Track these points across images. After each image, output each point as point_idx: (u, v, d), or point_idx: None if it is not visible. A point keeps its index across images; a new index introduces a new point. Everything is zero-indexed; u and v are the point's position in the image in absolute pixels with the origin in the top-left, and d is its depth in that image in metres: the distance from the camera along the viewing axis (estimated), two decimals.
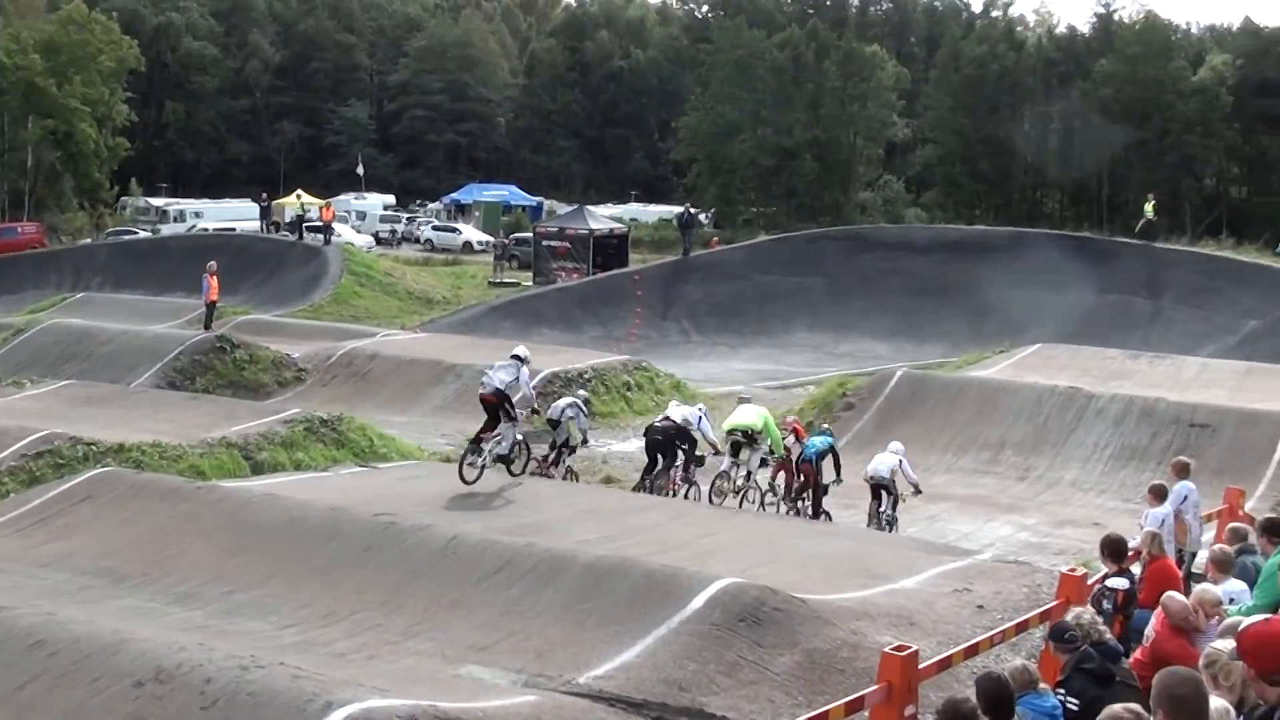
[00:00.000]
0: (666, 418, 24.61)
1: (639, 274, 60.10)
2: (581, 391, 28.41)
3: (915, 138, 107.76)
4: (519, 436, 23.05)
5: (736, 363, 50.30)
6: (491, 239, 79.53)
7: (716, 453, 24.57)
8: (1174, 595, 11.27)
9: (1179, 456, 20.07)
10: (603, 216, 74.14)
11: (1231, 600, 12.02)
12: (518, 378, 22.84)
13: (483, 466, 22.06)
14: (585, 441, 25.63)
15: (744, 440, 23.88)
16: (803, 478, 24.15)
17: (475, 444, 22.45)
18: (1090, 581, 14.33)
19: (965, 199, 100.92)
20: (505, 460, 22.66)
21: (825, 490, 23.95)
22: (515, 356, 23.21)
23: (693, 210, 67.02)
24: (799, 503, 24.29)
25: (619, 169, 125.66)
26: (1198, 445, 27.78)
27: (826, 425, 26.86)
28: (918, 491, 23.47)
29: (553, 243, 64.27)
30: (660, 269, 61.16)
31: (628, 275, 60.05)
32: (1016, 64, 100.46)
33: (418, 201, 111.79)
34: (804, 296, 57.67)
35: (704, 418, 24.84)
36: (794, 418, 28.66)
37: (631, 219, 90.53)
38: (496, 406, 22.37)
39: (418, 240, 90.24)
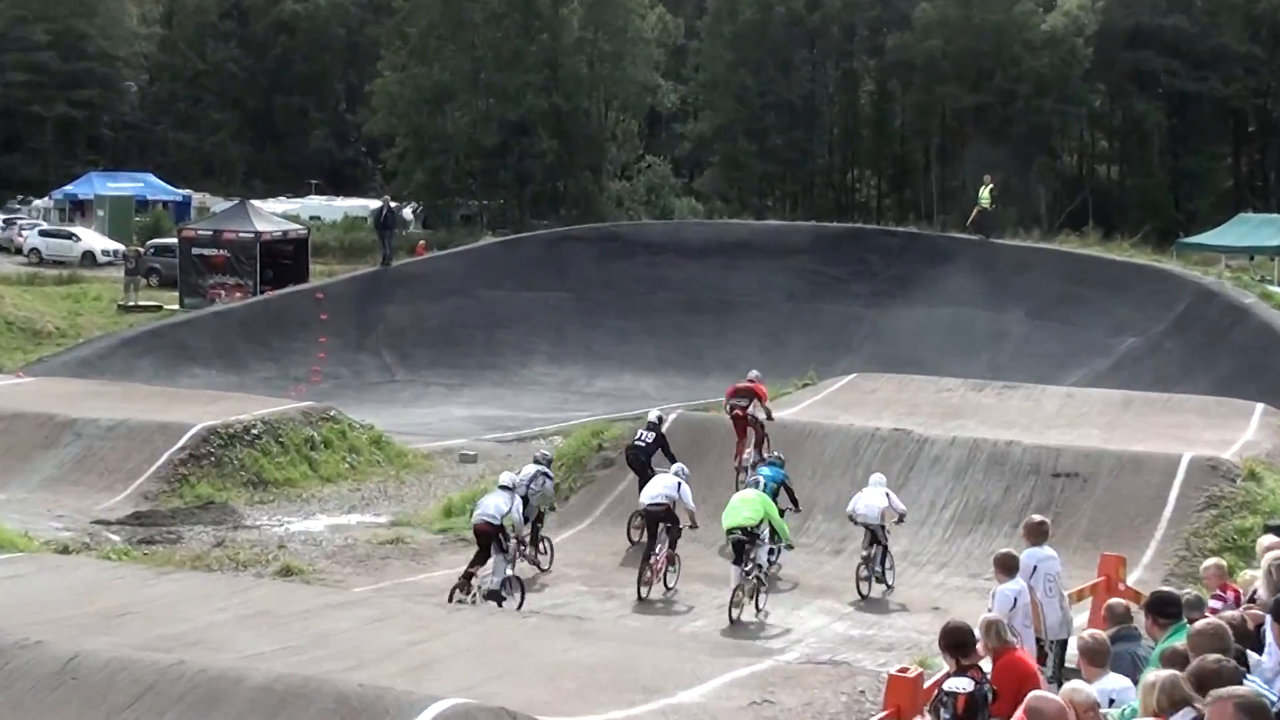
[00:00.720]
0: (642, 439, 30.20)
1: (323, 291, 59.69)
2: (544, 451, 31.01)
3: (686, 106, 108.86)
4: (511, 572, 26.01)
5: (457, 407, 50.22)
6: (122, 248, 78.23)
7: (694, 526, 26.83)
8: (1043, 695, 11.36)
9: (1032, 516, 20.51)
10: (273, 215, 73.57)
11: (1112, 701, 12.10)
12: (511, 509, 26.11)
13: (471, 603, 25.17)
14: (553, 507, 29.69)
15: (745, 538, 25.06)
16: None
17: (465, 580, 25.67)
18: (928, 684, 14.55)
19: (753, 185, 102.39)
20: (496, 597, 25.44)
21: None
22: (503, 487, 26.59)
23: (394, 205, 66.80)
24: None
25: (294, 150, 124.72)
26: (1064, 500, 28.58)
27: (777, 454, 28.72)
28: (900, 519, 26.70)
29: (205, 251, 63.43)
30: (352, 284, 60.81)
31: (308, 293, 59.60)
32: (813, 7, 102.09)
33: (18, 198, 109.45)
34: (545, 318, 57.84)
35: (684, 483, 27.06)
36: (755, 373, 31.60)
37: (312, 217, 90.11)
38: (489, 537, 25.67)
39: (19, 250, 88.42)
